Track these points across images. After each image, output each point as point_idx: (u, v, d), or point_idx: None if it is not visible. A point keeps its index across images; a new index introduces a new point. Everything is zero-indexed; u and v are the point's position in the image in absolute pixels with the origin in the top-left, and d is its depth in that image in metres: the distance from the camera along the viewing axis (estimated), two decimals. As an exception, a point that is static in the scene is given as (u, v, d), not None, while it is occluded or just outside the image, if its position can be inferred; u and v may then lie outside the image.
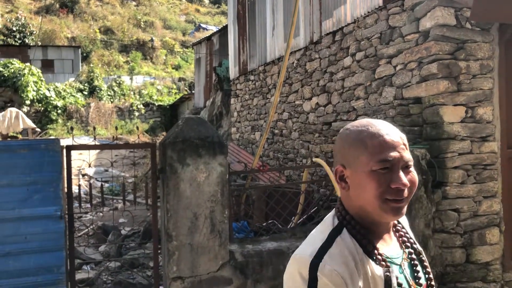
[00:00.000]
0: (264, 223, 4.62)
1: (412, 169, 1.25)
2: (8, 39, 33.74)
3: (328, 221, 1.31)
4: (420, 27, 4.94)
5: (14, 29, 34.51)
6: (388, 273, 1.22)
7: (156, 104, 28.34)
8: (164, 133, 22.15)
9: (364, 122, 1.28)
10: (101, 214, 7.23)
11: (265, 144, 9.53)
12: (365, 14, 6.04)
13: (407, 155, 1.24)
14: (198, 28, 43.01)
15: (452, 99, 4.70)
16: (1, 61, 25.26)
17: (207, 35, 23.11)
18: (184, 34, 43.54)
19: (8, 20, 35.99)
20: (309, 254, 1.20)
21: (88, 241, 6.67)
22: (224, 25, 19.65)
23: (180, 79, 34.34)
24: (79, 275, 4.85)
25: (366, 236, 1.24)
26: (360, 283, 1.17)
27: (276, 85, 9.18)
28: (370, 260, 1.22)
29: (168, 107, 28.33)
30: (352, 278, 1.16)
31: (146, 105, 28.11)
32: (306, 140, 7.89)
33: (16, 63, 24.47)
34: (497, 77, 4.90)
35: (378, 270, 1.21)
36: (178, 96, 28.67)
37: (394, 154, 1.21)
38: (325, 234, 1.26)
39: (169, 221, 3.84)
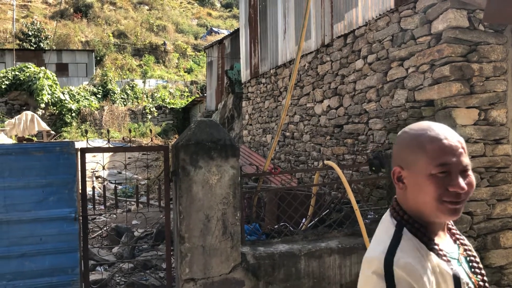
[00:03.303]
0: (276, 226, 4.63)
1: (470, 172, 1.28)
2: (24, 43, 34.29)
3: (387, 221, 1.36)
4: (432, 29, 4.92)
5: (30, 33, 35.07)
6: (455, 269, 1.28)
7: (169, 107, 28.55)
8: (176, 135, 22.29)
9: (423, 125, 1.32)
10: (114, 215, 7.30)
11: (276, 147, 9.55)
12: (376, 16, 6.03)
13: (466, 159, 1.27)
14: (210, 31, 43.24)
15: (465, 101, 4.67)
16: (17, 65, 25.70)
17: (219, 39, 23.23)
18: (196, 38, 43.80)
19: (24, 25, 36.58)
20: (380, 252, 1.25)
21: (102, 242, 6.74)
22: (236, 28, 19.73)
23: (192, 82, 34.54)
24: (92, 276, 4.91)
25: (426, 233, 1.30)
26: (432, 277, 1.22)
27: (287, 88, 9.20)
28: (435, 256, 1.27)
29: (180, 110, 28.51)
30: (425, 270, 1.21)
31: (158, 108, 28.33)
32: (318, 142, 7.89)
33: (32, 67, 24.85)
34: (510, 79, 4.86)
35: (445, 266, 1.27)
36: (190, 99, 28.83)
37: (453, 158, 1.24)
38: (390, 232, 1.31)
39: (181, 223, 3.87)
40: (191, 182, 3.89)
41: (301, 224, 4.75)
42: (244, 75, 12.44)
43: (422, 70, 5.11)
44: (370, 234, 4.28)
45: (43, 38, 35.39)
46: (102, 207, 7.99)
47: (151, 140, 5.70)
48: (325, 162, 4.69)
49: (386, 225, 1.35)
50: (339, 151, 7.09)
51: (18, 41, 33.86)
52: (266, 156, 10.18)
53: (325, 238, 4.36)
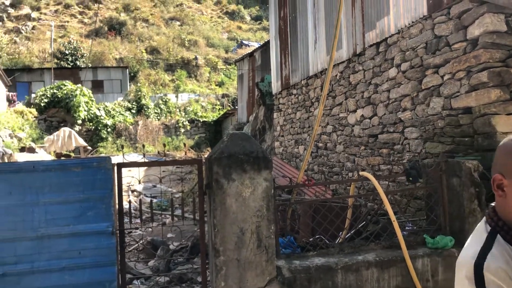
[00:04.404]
0: (311, 238, 4.57)
1: None
2: (61, 62, 35.60)
3: (481, 228, 1.37)
4: (468, 35, 4.79)
5: (67, 52, 36.41)
6: None
7: (201, 120, 28.90)
8: (209, 148, 22.50)
9: None
10: (150, 229, 7.39)
11: (309, 158, 9.47)
12: (409, 24, 5.93)
13: None
14: (240, 44, 43.70)
15: (504, 108, 4.50)
16: (55, 83, 26.65)
17: (249, 52, 23.41)
18: (226, 51, 44.34)
19: (61, 44, 38.02)
20: (471, 256, 1.26)
21: (138, 256, 6.83)
22: (266, 40, 19.84)
23: (223, 95, 34.90)
24: (130, 290, 4.96)
25: None
26: None
27: (319, 98, 9.14)
28: None
29: (212, 123, 28.81)
30: None
31: (191, 121, 28.73)
32: (352, 153, 7.78)
33: (69, 85, 25.73)
34: (554, 83, 4.66)
35: None
36: (221, 112, 29.11)
37: None
38: (482, 238, 1.31)
39: (216, 236, 3.87)
40: (224, 195, 3.89)
41: (338, 237, 4.67)
42: (275, 86, 12.46)
43: (458, 77, 4.98)
44: (409, 246, 4.17)
45: (79, 57, 36.67)
46: (138, 220, 8.11)
47: (185, 154, 5.76)
48: (361, 173, 4.60)
49: (480, 231, 1.36)
50: (374, 161, 6.96)
51: (56, 60, 35.19)
52: (299, 168, 10.11)
53: (362, 251, 4.26)
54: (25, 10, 46.33)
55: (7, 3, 47.03)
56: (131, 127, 26.38)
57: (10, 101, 27.30)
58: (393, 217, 4.06)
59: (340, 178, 8.08)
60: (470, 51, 4.76)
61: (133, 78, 36.53)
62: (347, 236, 4.62)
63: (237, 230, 3.87)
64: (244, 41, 44.52)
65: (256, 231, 3.89)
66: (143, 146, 5.97)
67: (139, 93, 29.51)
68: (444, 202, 4.31)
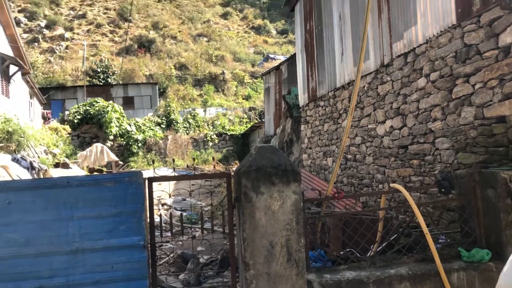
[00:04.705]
0: (342, 252, 4.51)
1: None
2: (93, 79, 36.65)
3: None
4: (500, 42, 4.69)
5: (99, 70, 37.49)
6: None
7: (229, 134, 29.12)
8: (236, 161, 22.61)
9: None
10: (180, 242, 7.46)
11: (338, 170, 9.39)
12: (437, 33, 5.85)
13: None
14: (267, 58, 43.99)
15: (541, 116, 4.37)
16: (88, 100, 27.42)
17: (276, 65, 23.52)
18: (253, 65, 44.71)
19: (93, 63, 39.20)
20: None
21: (169, 269, 6.88)
22: (292, 54, 19.90)
23: (250, 109, 35.11)
24: (161, 303, 5.00)
25: None
26: None
27: (347, 110, 9.09)
28: None
29: (239, 136, 28.98)
30: None
31: (219, 135, 28.99)
32: (382, 164, 7.67)
33: (101, 102, 26.43)
34: None
35: None
36: (249, 125, 29.25)
37: None
38: None
39: (245, 249, 3.87)
40: (253, 208, 3.90)
41: (369, 250, 4.59)
42: (302, 99, 12.46)
43: (490, 85, 4.87)
44: (443, 259, 4.06)
45: (111, 74, 37.69)
46: (169, 234, 8.19)
47: (213, 167, 5.81)
48: (391, 185, 4.53)
49: None
50: (404, 172, 6.84)
51: (88, 78, 36.26)
52: (327, 180, 10.03)
53: (394, 264, 4.18)
54: (59, 30, 48.08)
55: (43, 24, 48.94)
56: (161, 141, 26.82)
57: (45, 119, 28.25)
58: (425, 230, 3.97)
59: (370, 190, 7.97)
60: (503, 59, 4.66)
61: (162, 93, 37.24)
62: (379, 249, 4.54)
63: (266, 243, 3.87)
64: (270, 55, 44.81)
65: (286, 245, 3.88)
66: (173, 160, 6.06)
67: (168, 108, 30.01)
68: (478, 214, 4.19)
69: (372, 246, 4.61)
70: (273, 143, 18.26)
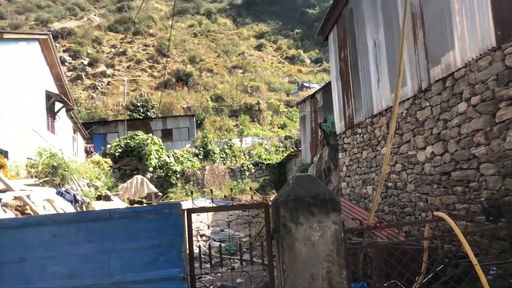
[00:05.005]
0: (385, 284, 4.35)
1: None
2: (134, 113, 37.85)
3: None
4: (544, 63, 4.54)
5: (138, 104, 38.75)
6: None
7: (265, 163, 29.14)
8: (274, 191, 22.49)
9: None
10: (220, 274, 7.41)
11: (379, 198, 9.17)
12: (476, 57, 5.73)
13: None
14: (301, 87, 44.24)
15: None
16: (128, 134, 28.24)
17: (311, 93, 23.58)
18: (288, 94, 45.02)
19: (134, 97, 40.60)
20: None
21: (208, 301, 6.82)
22: (327, 82, 19.93)
23: (286, 137, 35.15)
24: (201, 336, 4.94)
25: None
26: None
27: (385, 137, 8.94)
28: None
29: (276, 165, 28.94)
30: None
31: (255, 164, 29.05)
32: (424, 192, 7.44)
33: (141, 135, 27.16)
34: None
35: None
36: (285, 154, 29.21)
37: None
38: None
39: (285, 282, 3.80)
40: (292, 239, 3.85)
41: (414, 282, 4.41)
42: (339, 126, 12.38)
43: (536, 107, 4.69)
44: (495, 292, 3.84)
45: (150, 108, 38.86)
46: (208, 265, 8.17)
47: (251, 197, 5.80)
48: (435, 213, 4.38)
49: None
50: (448, 200, 6.60)
51: (128, 112, 37.49)
52: (368, 209, 9.80)
53: (442, 297, 3.99)
54: (101, 68, 50.28)
55: (86, 62, 51.36)
56: (198, 172, 27.13)
57: (88, 152, 29.26)
58: (474, 260, 3.79)
59: (413, 219, 7.71)
60: (547, 80, 4.49)
61: (199, 125, 37.96)
62: (424, 280, 4.36)
63: (307, 275, 3.79)
64: (305, 84, 45.06)
65: (327, 277, 3.78)
66: (211, 191, 6.11)
67: (206, 139, 30.47)
68: (531, 243, 3.97)
69: (417, 277, 4.42)
70: (310, 171, 18.11)
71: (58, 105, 19.22)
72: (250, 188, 8.73)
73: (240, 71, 50.56)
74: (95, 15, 64.87)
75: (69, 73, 47.18)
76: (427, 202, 7.31)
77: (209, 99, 43.07)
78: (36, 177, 12.74)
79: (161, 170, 26.41)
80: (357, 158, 10.96)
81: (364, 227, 4.49)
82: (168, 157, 27.16)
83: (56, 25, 59.46)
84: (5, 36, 13.72)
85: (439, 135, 6.85)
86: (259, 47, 58.69)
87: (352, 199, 11.28)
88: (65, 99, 19.04)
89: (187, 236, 4.25)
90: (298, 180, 4.07)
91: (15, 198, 6.76)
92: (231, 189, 5.65)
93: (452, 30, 6.31)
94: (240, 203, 17.79)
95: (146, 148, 25.85)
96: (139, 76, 49.54)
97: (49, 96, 17.84)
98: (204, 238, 11.15)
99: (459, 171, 6.30)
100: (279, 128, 39.06)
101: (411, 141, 7.91)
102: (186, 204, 4.63)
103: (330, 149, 16.08)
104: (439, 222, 6.25)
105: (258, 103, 42.02)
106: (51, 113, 18.65)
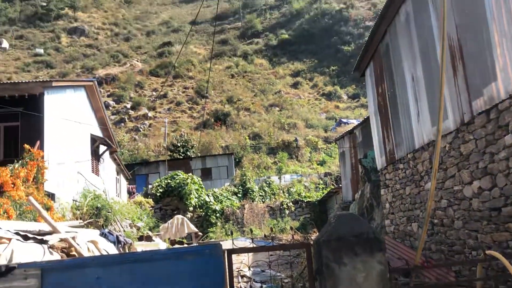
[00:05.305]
0: (437, 328, 4.11)
1: None
2: (174, 154, 38.65)
3: None
4: None
5: (179, 144, 39.60)
6: None
7: (305, 201, 28.76)
8: (315, 229, 22.06)
9: None
10: (261, 317, 7.23)
11: (425, 236, 8.81)
12: (521, 87, 5.56)
13: None
14: (339, 123, 44.02)
15: None
16: (169, 174, 28.74)
17: (349, 129, 23.41)
18: (326, 131, 44.87)
19: (174, 138, 41.60)
20: None
21: None
22: (365, 117, 19.77)
23: (326, 174, 34.74)
24: None
25: None
26: None
27: (428, 172, 8.68)
28: None
29: (316, 202, 28.50)
30: None
31: (295, 202, 28.72)
32: (473, 229, 7.09)
33: (181, 174, 27.57)
34: None
35: None
36: (325, 191, 28.79)
37: None
38: None
39: (330, 326, 3.66)
40: (336, 280, 3.73)
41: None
42: (380, 162, 12.14)
43: None
44: None
45: (190, 147, 39.60)
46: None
47: (292, 237, 5.73)
48: (487, 252, 4.15)
49: None
50: (500, 237, 6.25)
51: (169, 153, 38.34)
52: (414, 247, 9.42)
53: None
54: (143, 110, 52.09)
55: (128, 106, 53.42)
56: (238, 211, 27.08)
57: (130, 193, 29.92)
58: (534, 304, 3.53)
59: (463, 258, 7.33)
60: None
61: (238, 163, 38.22)
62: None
63: (353, 319, 3.64)
64: (342, 119, 44.84)
65: (374, 321, 3.62)
66: (251, 230, 6.07)
67: (244, 177, 30.55)
68: None
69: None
70: (352, 209, 17.72)
71: (102, 148, 19.94)
72: (291, 228, 8.59)
73: (277, 109, 51.05)
74: (137, 61, 67.93)
75: (112, 117, 49.13)
76: (477, 239, 6.96)
77: (247, 137, 43.52)
78: (81, 218, 13.09)
79: (201, 210, 26.55)
80: (400, 194, 10.65)
81: (411, 266, 4.31)
82: (208, 196, 27.34)
83: (101, 72, 62.63)
84: (54, 84, 14.53)
85: (486, 169, 6.58)
86: (295, 85, 59.33)
87: (397, 237, 10.89)
88: (109, 142, 19.74)
89: (228, 277, 4.20)
90: (340, 219, 3.99)
91: (61, 240, 6.93)
92: (271, 228, 5.60)
93: (493, 61, 6.17)
94: (281, 243, 17.53)
95: (186, 187, 26.16)
96: (179, 117, 50.93)
97: (94, 139, 18.56)
98: (245, 279, 10.98)
99: (511, 207, 5.99)
100: (318, 164, 38.73)
101: (456, 175, 7.64)
102: (226, 244, 4.60)
103: (371, 185, 15.73)
104: (492, 261, 5.91)
105: (296, 140, 42.03)
106: (96, 155, 19.33)
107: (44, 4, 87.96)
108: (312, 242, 4.27)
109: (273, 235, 19.75)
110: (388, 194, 11.64)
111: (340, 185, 24.95)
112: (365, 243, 3.76)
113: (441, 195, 8.26)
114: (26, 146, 11.62)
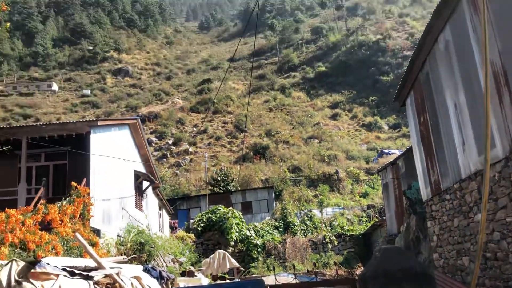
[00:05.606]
0: None
1: None
2: (214, 188, 38.94)
3: None
4: None
5: (219, 178, 39.92)
6: None
7: (348, 234, 28.03)
8: (359, 264, 21.36)
9: None
10: None
11: (478, 271, 8.35)
12: None
13: None
14: (381, 154, 43.19)
15: None
16: (210, 208, 28.88)
17: (391, 160, 22.89)
18: (367, 162, 44.08)
19: (214, 172, 42.02)
20: None
21: None
22: (408, 147, 19.32)
23: (369, 206, 33.88)
24: None
25: None
26: None
27: (477, 202, 8.32)
28: None
29: (360, 236, 27.71)
30: None
31: (338, 236, 28.03)
32: (530, 263, 6.67)
33: (221, 208, 27.62)
34: None
35: None
36: (369, 224, 27.99)
37: None
38: None
39: None
40: (385, 318, 3.58)
41: None
42: (425, 193, 11.76)
43: None
44: None
45: (230, 181, 39.81)
46: None
47: (336, 272, 5.55)
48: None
49: None
50: (561, 272, 5.84)
51: (210, 187, 38.67)
52: (466, 283, 8.93)
53: None
54: (184, 146, 53.20)
55: (170, 142, 54.73)
56: (279, 245, 26.68)
57: (173, 228, 30.20)
58: None
59: (521, 294, 6.88)
60: None
61: (278, 196, 37.97)
62: None
63: None
64: (384, 150, 43.98)
65: None
66: (293, 265, 5.97)
67: (285, 211, 30.22)
68: None
69: None
70: (398, 242, 17.09)
71: (145, 184, 20.36)
72: (334, 262, 8.34)
73: (316, 141, 50.84)
74: (178, 99, 70.03)
75: (155, 153, 50.42)
76: (536, 274, 6.53)
77: (286, 170, 43.36)
78: (125, 254, 13.28)
79: (242, 244, 26.34)
80: (448, 227, 10.22)
81: (465, 304, 4.08)
82: (249, 230, 27.15)
83: (144, 110, 64.85)
84: (100, 123, 15.13)
85: (541, 199, 6.24)
86: (334, 117, 59.11)
87: (447, 271, 10.37)
88: (152, 177, 20.16)
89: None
90: (385, 253, 3.86)
91: (106, 276, 7.03)
92: (314, 263, 5.47)
93: (541, 86, 5.95)
94: (324, 278, 17.05)
95: (227, 222, 26.12)
96: (219, 151, 51.62)
97: (137, 175, 19.02)
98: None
99: None
100: (360, 197, 37.89)
101: (508, 206, 7.27)
102: (269, 280, 4.54)
103: (417, 217, 15.19)
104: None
105: (337, 172, 41.46)
106: (139, 191, 19.76)
107: (91, 48, 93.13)
108: (357, 277, 4.15)
109: (317, 270, 19.28)
110: (435, 226, 11.19)
111: (384, 218, 24.22)
112: (412, 278, 3.61)
113: (492, 227, 7.85)
114: (73, 183, 12.03)
